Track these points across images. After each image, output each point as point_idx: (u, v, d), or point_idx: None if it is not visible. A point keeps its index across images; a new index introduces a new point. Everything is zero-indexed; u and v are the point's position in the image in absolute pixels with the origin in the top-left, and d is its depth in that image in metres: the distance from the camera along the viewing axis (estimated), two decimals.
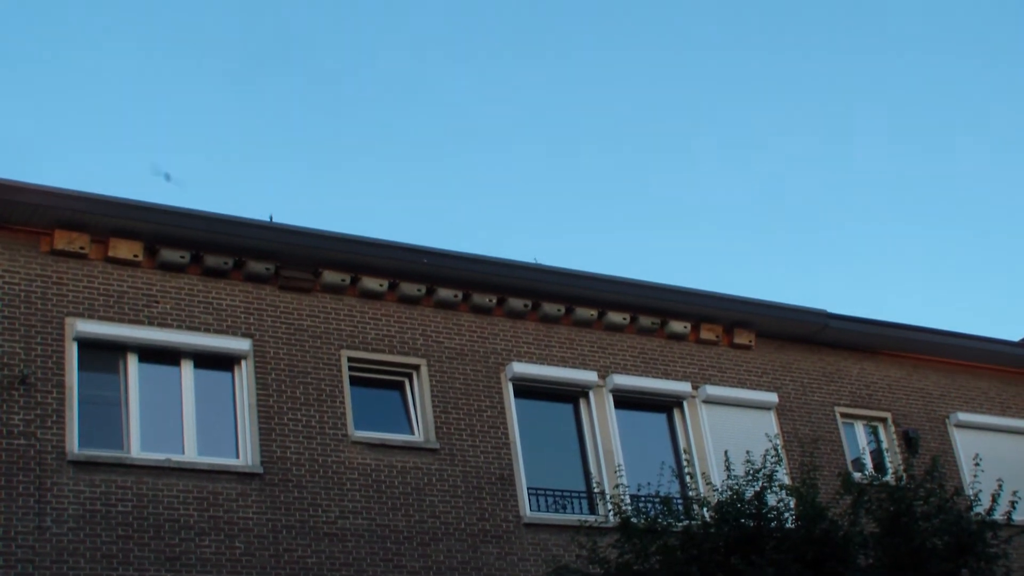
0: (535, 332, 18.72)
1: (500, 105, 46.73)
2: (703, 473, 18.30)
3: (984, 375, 22.98)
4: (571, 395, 18.88)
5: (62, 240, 15.69)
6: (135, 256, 16.07)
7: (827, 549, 14.57)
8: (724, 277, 48.76)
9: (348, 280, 17.34)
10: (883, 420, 21.49)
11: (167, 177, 14.91)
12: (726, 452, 16.80)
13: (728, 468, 15.77)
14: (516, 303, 18.50)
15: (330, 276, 17.23)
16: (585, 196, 46.82)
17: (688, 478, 17.27)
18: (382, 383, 17.56)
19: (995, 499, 16.23)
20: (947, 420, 22.09)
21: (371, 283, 17.48)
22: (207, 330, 16.30)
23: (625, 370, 19.17)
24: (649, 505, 16.17)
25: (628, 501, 16.44)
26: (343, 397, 16.81)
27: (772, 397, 20.27)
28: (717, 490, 15.67)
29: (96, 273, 15.90)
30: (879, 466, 20.39)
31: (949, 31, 48.27)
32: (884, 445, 21.06)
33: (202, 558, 15.03)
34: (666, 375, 19.53)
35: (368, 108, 46.03)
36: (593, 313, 19.09)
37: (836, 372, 21.33)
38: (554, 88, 46.47)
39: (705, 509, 15.28)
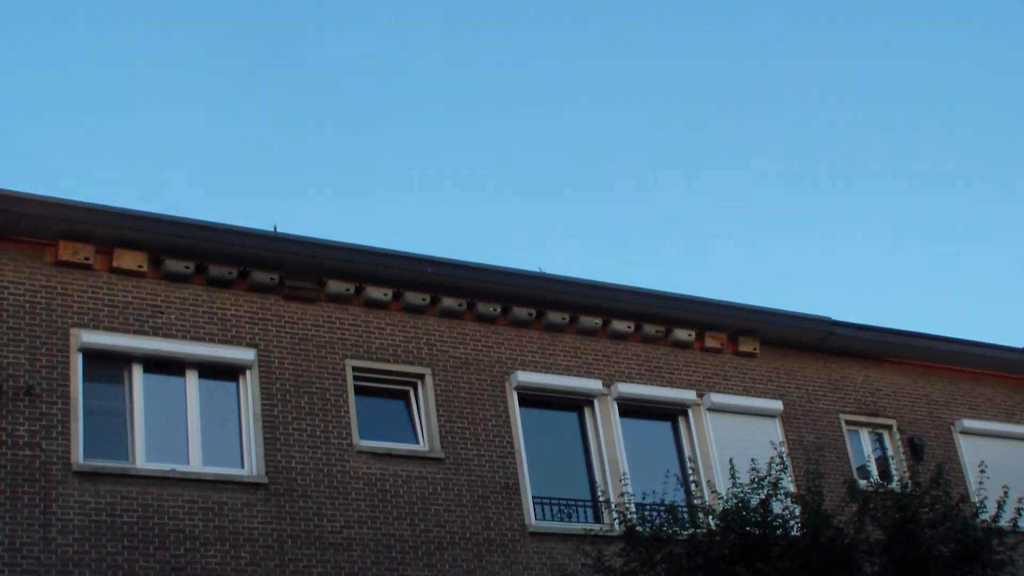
0: (539, 341, 18.73)
1: (504, 112, 46.80)
2: (708, 481, 18.29)
3: (989, 382, 22.96)
4: (576, 404, 18.88)
5: (67, 251, 15.72)
6: (139, 267, 16.09)
7: (833, 557, 14.55)
8: (728, 285, 48.77)
9: (352, 290, 17.36)
10: (888, 427, 21.46)
11: None
12: (731, 460, 16.80)
13: (733, 476, 15.76)
14: (520, 312, 18.51)
15: (334, 286, 17.24)
16: (589, 205, 46.87)
17: (693, 486, 17.27)
18: (387, 392, 17.57)
19: (1001, 506, 16.20)
20: (952, 427, 22.07)
21: (375, 293, 17.50)
22: (212, 340, 16.32)
23: (630, 378, 19.18)
24: (654, 513, 16.17)
25: (633, 509, 16.45)
26: (348, 407, 16.82)
27: (777, 405, 20.26)
28: (722, 498, 15.66)
29: (101, 284, 15.92)
30: (884, 473, 20.38)
31: (948, 32, 48.31)
32: (889, 452, 21.04)
33: (207, 568, 15.03)
34: (671, 383, 19.53)
35: (372, 118, 46.10)
36: (597, 322, 19.10)
37: (841, 379, 21.32)
38: (558, 95, 46.53)
39: (710, 517, 15.26)
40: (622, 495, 17.18)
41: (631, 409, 19.15)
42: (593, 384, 18.78)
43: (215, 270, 16.50)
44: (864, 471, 20.51)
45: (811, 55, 47.67)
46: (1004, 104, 47.85)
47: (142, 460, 15.38)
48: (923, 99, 48.10)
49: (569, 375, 18.72)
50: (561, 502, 17.97)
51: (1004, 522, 16.24)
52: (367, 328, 17.47)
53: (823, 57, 47.64)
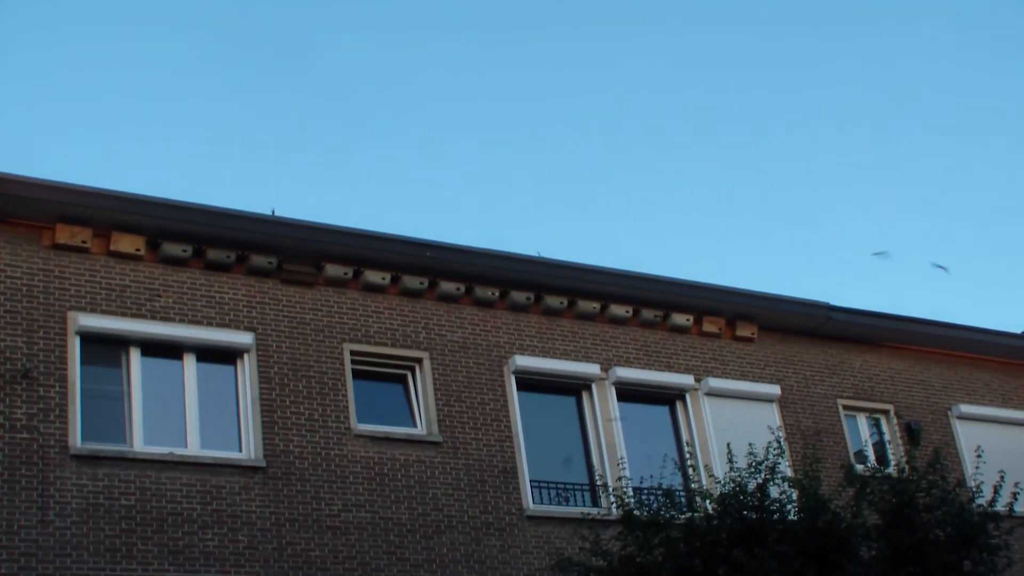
0: (538, 325, 18.73)
1: (503, 98, 46.73)
2: (705, 465, 18.30)
3: (986, 367, 22.98)
4: (574, 388, 18.89)
5: (64, 234, 15.70)
6: (137, 250, 16.07)
7: (830, 541, 14.57)
8: (727, 270, 48.78)
9: (350, 274, 17.35)
10: (885, 412, 21.49)
11: (883, 254, 16.00)
12: (728, 444, 16.78)
13: (730, 460, 15.76)
14: (519, 296, 18.51)
15: (332, 270, 17.24)
16: (588, 189, 46.83)
17: (691, 470, 17.27)
18: (385, 376, 17.57)
19: (997, 491, 16.22)
20: (949, 412, 22.10)
21: (373, 276, 17.49)
22: (210, 324, 16.31)
23: (628, 363, 19.19)
24: (652, 498, 16.17)
25: (631, 494, 16.45)
26: (346, 390, 16.82)
27: (775, 389, 20.28)
28: (720, 482, 15.68)
29: (98, 267, 15.91)
30: (881, 458, 20.34)
31: (951, 22, 48.24)
32: (886, 437, 21.05)
33: (205, 551, 15.05)
34: (669, 368, 19.54)
35: (370, 102, 46.04)
36: (596, 306, 19.10)
37: (839, 364, 21.33)
38: (557, 81, 46.47)
39: (708, 501, 15.28)
40: (620, 479, 17.19)
41: (629, 393, 19.16)
42: (591, 368, 18.79)
43: (213, 254, 16.49)
44: (861, 456, 20.53)
45: (809, 38, 47.63)
46: (1004, 91, 47.81)
47: (140, 443, 15.39)
48: (920, 85, 48.08)
49: (567, 359, 18.72)
50: (559, 486, 17.99)
51: (1000, 506, 16.26)
52: (365, 312, 17.47)
53: (821, 42, 47.60)
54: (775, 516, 14.77)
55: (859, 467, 18.45)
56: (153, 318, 15.98)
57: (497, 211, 46.43)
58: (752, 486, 15.06)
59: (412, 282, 17.75)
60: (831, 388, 21.05)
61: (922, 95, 48.09)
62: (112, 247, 15.97)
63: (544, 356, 18.54)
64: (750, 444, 16.22)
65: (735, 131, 47.20)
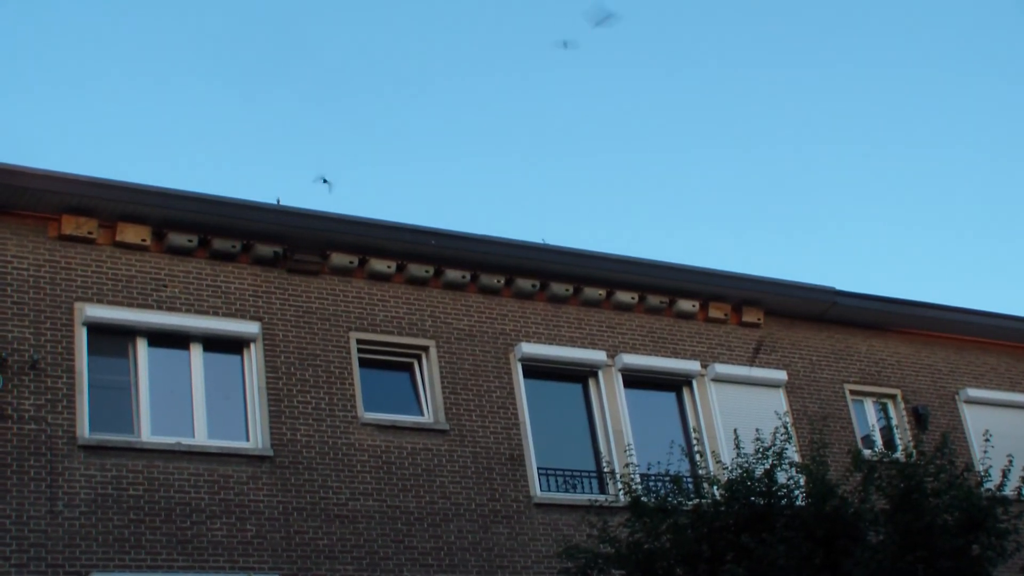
0: (544, 312, 18.72)
1: (507, 86, 46.67)
2: (713, 451, 18.31)
3: (993, 351, 22.94)
4: (580, 375, 18.89)
5: (70, 225, 15.71)
6: (143, 240, 16.08)
7: (837, 526, 14.57)
8: (732, 256, 48.75)
9: (356, 262, 17.35)
10: (892, 397, 21.47)
11: (325, 181, 16.05)
12: (735, 430, 16.78)
13: (738, 446, 15.77)
14: (524, 283, 18.50)
15: (338, 258, 17.23)
16: (593, 175, 46.79)
17: (698, 456, 17.27)
18: (391, 365, 17.58)
19: (1005, 475, 16.19)
20: (957, 396, 22.08)
21: (379, 265, 17.49)
22: (216, 314, 16.32)
23: (634, 349, 19.18)
24: (659, 484, 16.18)
25: (638, 480, 16.47)
26: (352, 379, 16.83)
27: (781, 375, 20.26)
28: (727, 468, 15.68)
29: (104, 258, 15.92)
30: (889, 443, 20.37)
31: (955, 12, 48.13)
32: (894, 422, 21.04)
33: (213, 541, 15.08)
34: (675, 354, 19.53)
35: (374, 90, 46.00)
36: (601, 293, 19.09)
37: (845, 349, 21.31)
38: (560, 69, 46.40)
39: (715, 487, 15.29)
40: (627, 466, 17.20)
41: (635, 380, 19.15)
42: (597, 355, 18.79)
43: (219, 243, 16.49)
44: (868, 441, 20.51)
45: (810, 25, 47.52)
46: (1009, 73, 47.70)
47: (147, 433, 15.41)
48: (928, 68, 47.97)
49: (573, 346, 18.71)
50: (566, 473, 18.00)
51: (1008, 491, 16.24)
52: (371, 300, 17.47)
53: (823, 30, 47.49)
54: (783, 502, 14.78)
55: (866, 452, 18.43)
56: (159, 308, 15.99)
57: (502, 198, 46.43)
58: (759, 472, 15.06)
59: (418, 270, 17.75)
60: (838, 373, 21.03)
61: (925, 77, 48.01)
62: (118, 238, 15.98)
63: (550, 343, 18.54)
64: (757, 430, 16.24)
65: (739, 116, 47.13)
